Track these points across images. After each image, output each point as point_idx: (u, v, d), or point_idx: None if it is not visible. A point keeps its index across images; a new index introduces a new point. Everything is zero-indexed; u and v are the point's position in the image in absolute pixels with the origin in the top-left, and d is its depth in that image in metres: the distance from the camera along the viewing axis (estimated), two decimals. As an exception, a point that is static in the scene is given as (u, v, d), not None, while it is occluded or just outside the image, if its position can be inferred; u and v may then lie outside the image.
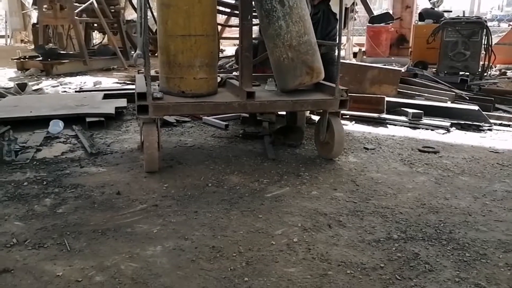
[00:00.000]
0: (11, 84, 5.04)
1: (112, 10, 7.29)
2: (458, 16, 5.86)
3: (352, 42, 8.30)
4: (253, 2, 2.35)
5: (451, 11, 7.51)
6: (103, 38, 8.37)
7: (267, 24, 2.37)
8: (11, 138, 2.69)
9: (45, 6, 6.58)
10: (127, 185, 2.02)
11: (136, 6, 2.18)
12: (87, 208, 1.77)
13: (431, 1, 8.47)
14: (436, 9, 8.11)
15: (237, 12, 2.88)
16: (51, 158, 2.39)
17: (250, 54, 2.29)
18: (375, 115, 3.41)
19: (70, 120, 3.07)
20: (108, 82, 5.47)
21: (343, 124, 3.17)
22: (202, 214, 1.73)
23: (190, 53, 2.24)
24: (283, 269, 1.37)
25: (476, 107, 3.42)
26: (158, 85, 2.46)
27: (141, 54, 2.03)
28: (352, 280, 1.32)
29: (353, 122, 3.36)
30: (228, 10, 3.09)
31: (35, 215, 1.70)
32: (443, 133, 3.10)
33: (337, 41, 2.41)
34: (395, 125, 3.30)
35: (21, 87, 4.45)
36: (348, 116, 3.39)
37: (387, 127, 3.28)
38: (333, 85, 2.37)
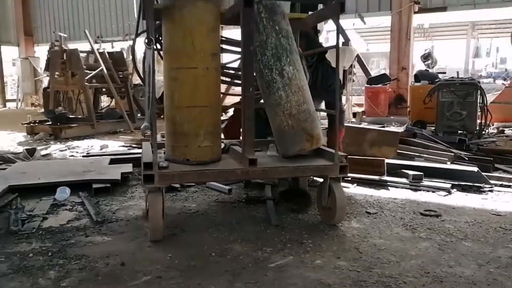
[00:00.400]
0: (20, 149, 5.17)
1: (121, 76, 7.63)
2: (452, 77, 6.09)
3: (351, 103, 8.54)
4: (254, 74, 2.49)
5: (445, 72, 7.80)
6: (111, 102, 8.68)
7: (268, 94, 2.50)
8: (18, 207, 2.74)
9: (57, 73, 6.93)
10: (131, 255, 2.03)
11: (142, 76, 2.31)
12: (91, 281, 1.78)
13: (425, 63, 8.86)
14: (430, 70, 8.46)
15: (238, 81, 3.06)
16: (57, 227, 2.42)
17: (253, 123, 2.39)
18: (376, 177, 3.46)
19: (77, 186, 3.14)
20: (115, 145, 5.61)
21: (345, 187, 3.23)
22: (206, 287, 1.73)
23: (195, 123, 2.35)
24: None
25: (476, 169, 3.47)
26: (164, 153, 2.55)
27: (148, 126, 2.13)
28: None
29: (355, 184, 3.40)
30: (228, 79, 3.25)
31: (39, 289, 1.70)
32: (445, 195, 3.13)
33: (335, 109, 2.51)
34: (396, 187, 3.34)
35: (30, 152, 4.57)
36: (350, 178, 3.44)
37: (388, 189, 3.32)
38: (333, 150, 2.45)
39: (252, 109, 2.42)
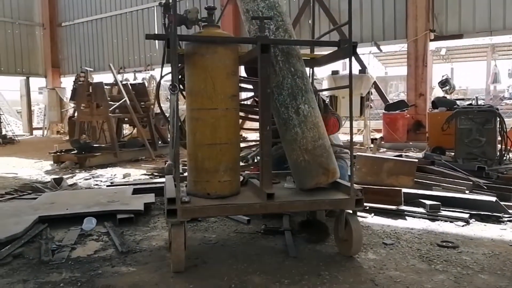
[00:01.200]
0: (48, 178, 5.41)
1: (143, 106, 7.92)
2: (471, 104, 6.09)
3: (369, 128, 8.60)
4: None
5: (463, 99, 7.81)
6: (133, 130, 8.95)
7: (285, 131, 2.62)
8: (48, 237, 2.89)
9: (83, 105, 7.26)
10: (155, 285, 2.13)
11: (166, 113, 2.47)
12: (118, 311, 1.88)
13: (443, 89, 8.88)
14: (448, 96, 8.47)
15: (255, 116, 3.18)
16: (85, 257, 2.55)
17: (270, 159, 2.50)
18: (394, 207, 3.50)
19: (102, 216, 3.28)
20: (137, 173, 5.80)
21: (362, 217, 3.29)
22: (226, 318, 1.81)
23: (216, 159, 2.47)
24: None
25: (494, 199, 3.48)
26: (186, 186, 2.67)
27: (173, 164, 2.26)
28: None
29: (372, 214, 3.44)
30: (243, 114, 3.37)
31: (70, 319, 1.81)
32: (463, 225, 3.14)
33: (350, 144, 2.60)
34: (414, 217, 3.36)
35: (57, 182, 4.78)
36: (367, 208, 3.48)
37: (406, 219, 3.35)
38: (349, 184, 2.53)
39: (269, 146, 2.53)
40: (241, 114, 3.11)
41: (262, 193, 2.45)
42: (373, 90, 9.14)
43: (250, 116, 3.21)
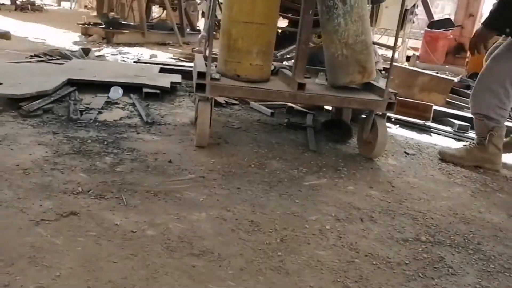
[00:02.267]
0: (76, 48, 5.38)
1: (175, -13, 7.53)
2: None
3: (407, 45, 8.14)
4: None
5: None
6: (162, 13, 8.66)
7: (327, 20, 2.45)
8: (77, 99, 2.94)
9: (113, -23, 6.90)
10: (178, 155, 2.19)
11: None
12: (142, 170, 1.96)
13: (496, 12, 8.12)
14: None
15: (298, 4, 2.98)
16: (111, 122, 2.61)
17: (307, 47, 2.38)
18: (421, 122, 3.43)
19: (128, 88, 3.30)
20: (163, 56, 5.72)
21: (387, 127, 3.23)
22: (244, 191, 1.88)
23: (250, 39, 2.36)
24: (314, 251, 1.49)
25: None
26: (216, 66, 2.61)
27: (206, 36, 2.17)
28: (377, 270, 1.42)
29: (397, 126, 3.39)
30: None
31: (97, 170, 1.90)
32: (488, 149, 3.07)
33: (392, 51, 2.45)
34: (439, 134, 3.30)
35: (85, 52, 4.75)
36: (393, 119, 3.42)
37: (430, 135, 3.29)
38: (383, 86, 2.43)
39: (308, 33, 2.40)
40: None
41: (293, 82, 2.38)
42: (420, 4, 8.47)
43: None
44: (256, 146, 2.48)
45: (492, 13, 2.51)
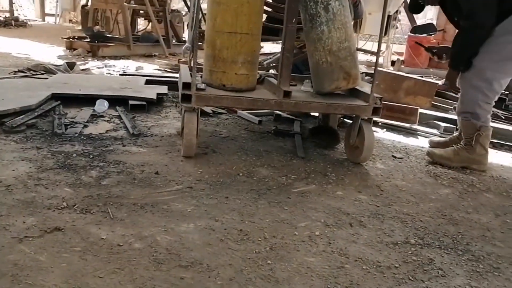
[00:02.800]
0: (60, 62, 5.33)
1: (159, -1, 7.54)
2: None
3: (391, 50, 8.25)
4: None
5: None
6: (147, 25, 8.66)
7: (310, 28, 2.47)
8: (61, 113, 2.91)
9: (97, -10, 6.90)
10: (165, 166, 2.17)
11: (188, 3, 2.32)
12: (128, 183, 1.93)
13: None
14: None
15: (280, 13, 3.01)
16: (97, 135, 2.58)
17: (291, 55, 2.39)
18: (407, 125, 3.46)
19: (114, 101, 3.27)
20: (150, 68, 5.70)
21: (374, 131, 3.25)
22: (232, 200, 1.86)
23: (235, 49, 2.37)
24: (303, 258, 1.48)
25: (511, 128, 3.40)
26: (201, 77, 2.61)
27: (190, 47, 2.17)
28: (367, 275, 1.41)
29: (384, 129, 3.41)
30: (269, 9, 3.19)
31: (82, 184, 1.87)
32: (474, 150, 3.11)
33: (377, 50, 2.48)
34: (426, 137, 3.33)
35: (70, 66, 4.71)
36: (380, 124, 3.45)
37: (417, 138, 3.32)
38: (368, 91, 2.45)
39: (292, 42, 2.41)
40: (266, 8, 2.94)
41: (279, 90, 2.38)
42: (402, 10, 8.59)
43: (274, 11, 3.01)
44: (244, 155, 2.47)
45: (451, 55, 2.72)
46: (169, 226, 1.60)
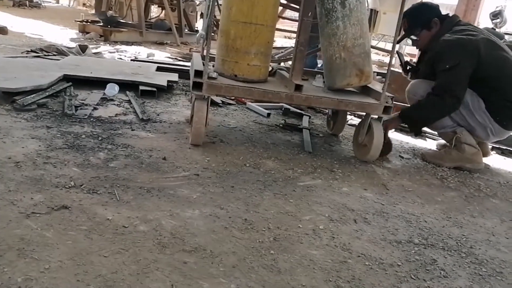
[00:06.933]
0: (73, 44, 5.36)
1: (174, -13, 7.53)
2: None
3: (404, 51, 8.18)
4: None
5: (512, 34, 7.25)
6: (161, 13, 8.65)
7: (325, 23, 2.45)
8: (72, 94, 2.93)
9: (113, -25, 6.89)
10: (172, 152, 2.18)
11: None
12: (136, 166, 1.94)
13: (493, 21, 8.22)
14: (497, 30, 7.87)
15: (294, 5, 3.00)
16: (106, 118, 2.59)
17: (305, 48, 2.38)
18: (416, 126, 3.42)
19: (124, 85, 3.28)
20: (161, 55, 5.71)
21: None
22: (238, 189, 1.87)
23: (248, 40, 2.36)
24: (306, 250, 1.48)
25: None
26: (213, 66, 2.61)
27: (204, 35, 2.17)
28: (369, 271, 1.41)
29: (393, 129, 3.39)
30: (285, 2, 3.18)
31: (90, 165, 1.88)
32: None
33: (391, 49, 2.46)
34: (434, 139, 3.31)
35: (82, 48, 4.73)
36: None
37: (426, 140, 3.30)
38: (380, 90, 2.44)
39: (307, 35, 2.40)
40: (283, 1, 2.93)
41: (290, 84, 2.38)
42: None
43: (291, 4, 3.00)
44: (251, 146, 2.48)
45: (417, 117, 2.74)
46: (175, 211, 1.61)
